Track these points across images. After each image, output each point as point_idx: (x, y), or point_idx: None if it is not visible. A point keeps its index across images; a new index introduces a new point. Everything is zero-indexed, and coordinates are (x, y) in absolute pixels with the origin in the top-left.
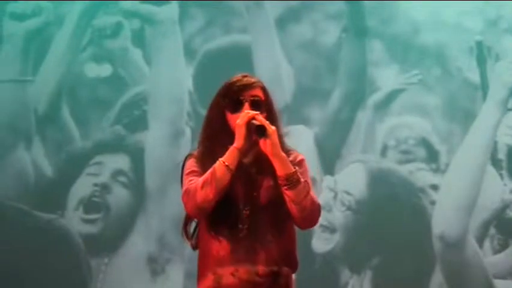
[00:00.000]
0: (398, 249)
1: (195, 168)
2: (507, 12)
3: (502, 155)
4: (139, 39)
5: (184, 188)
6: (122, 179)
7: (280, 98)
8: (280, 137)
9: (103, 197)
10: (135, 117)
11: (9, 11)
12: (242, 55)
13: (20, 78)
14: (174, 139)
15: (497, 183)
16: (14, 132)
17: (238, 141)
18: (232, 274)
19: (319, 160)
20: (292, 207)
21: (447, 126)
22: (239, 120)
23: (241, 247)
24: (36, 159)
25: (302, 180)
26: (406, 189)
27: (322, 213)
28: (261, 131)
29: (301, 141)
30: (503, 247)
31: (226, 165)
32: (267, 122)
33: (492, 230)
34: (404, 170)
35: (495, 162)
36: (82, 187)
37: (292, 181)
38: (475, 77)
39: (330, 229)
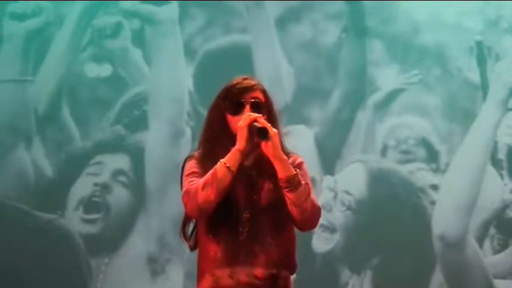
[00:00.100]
0: (398, 249)
1: (196, 169)
2: (507, 12)
3: (502, 155)
4: (139, 39)
5: (184, 188)
6: (122, 179)
7: (280, 98)
8: (280, 139)
9: (103, 197)
10: (135, 117)
11: (9, 11)
12: (242, 55)
13: (20, 78)
14: (174, 139)
15: (497, 183)
16: (14, 132)
17: (240, 143)
18: (231, 276)
19: (319, 160)
20: (293, 210)
21: (447, 126)
22: (241, 122)
23: (240, 250)
24: (36, 159)
25: (303, 182)
26: (406, 189)
27: (323, 213)
28: (263, 133)
29: (301, 141)
30: (503, 247)
31: (228, 167)
32: (269, 124)
33: (492, 230)
34: (404, 170)
35: (495, 162)
36: (82, 187)
37: (294, 183)
38: (475, 77)
39: (330, 229)
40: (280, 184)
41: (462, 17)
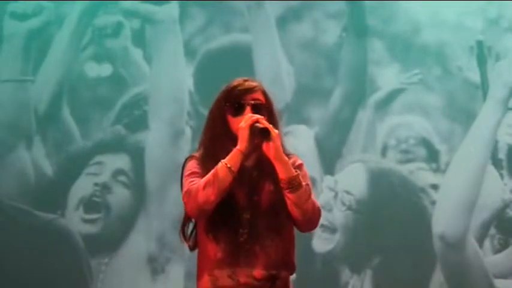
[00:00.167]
0: (398, 249)
1: (196, 170)
2: (507, 12)
3: (502, 155)
4: (139, 39)
5: (185, 188)
6: (122, 178)
7: (281, 97)
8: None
9: (103, 196)
10: (136, 117)
11: (9, 11)
12: (242, 55)
13: (21, 78)
14: (174, 139)
15: (498, 182)
16: (14, 132)
17: (242, 144)
18: (230, 276)
19: (320, 160)
20: (294, 211)
21: (447, 126)
22: (243, 123)
23: (240, 250)
24: (36, 159)
25: (304, 183)
26: (406, 189)
27: (323, 213)
28: (265, 134)
29: (301, 140)
30: (503, 247)
31: (229, 167)
32: (271, 125)
33: (492, 230)
34: (404, 169)
35: (495, 161)
36: (82, 187)
37: (295, 184)
38: (475, 76)
39: (331, 229)
40: (281, 185)
41: (462, 17)
